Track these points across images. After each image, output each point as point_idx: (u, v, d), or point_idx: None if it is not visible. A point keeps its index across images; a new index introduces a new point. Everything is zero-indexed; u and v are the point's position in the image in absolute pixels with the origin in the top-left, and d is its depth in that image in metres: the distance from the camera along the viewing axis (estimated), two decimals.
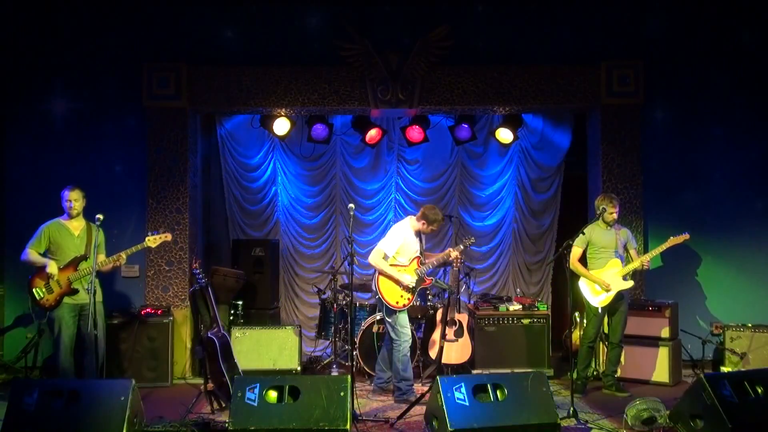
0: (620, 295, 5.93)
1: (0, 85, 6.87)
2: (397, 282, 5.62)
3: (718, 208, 6.96)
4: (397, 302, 5.64)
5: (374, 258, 5.68)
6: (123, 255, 5.58)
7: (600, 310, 5.90)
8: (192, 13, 6.94)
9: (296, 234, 8.02)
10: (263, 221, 8.01)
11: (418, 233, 5.79)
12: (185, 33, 6.94)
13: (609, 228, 5.99)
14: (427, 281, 5.81)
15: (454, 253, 5.80)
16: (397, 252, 5.69)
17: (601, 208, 5.88)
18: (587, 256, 6.03)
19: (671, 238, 5.89)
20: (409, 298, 5.67)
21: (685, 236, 5.88)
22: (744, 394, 4.51)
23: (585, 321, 6.16)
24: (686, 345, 6.66)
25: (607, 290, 5.85)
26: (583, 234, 5.79)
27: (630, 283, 5.96)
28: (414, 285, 5.65)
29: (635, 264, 5.90)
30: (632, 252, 6.06)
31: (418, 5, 6.92)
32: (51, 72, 6.88)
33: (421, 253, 5.82)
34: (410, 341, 5.74)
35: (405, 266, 5.71)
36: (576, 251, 5.94)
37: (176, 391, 6.19)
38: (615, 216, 5.94)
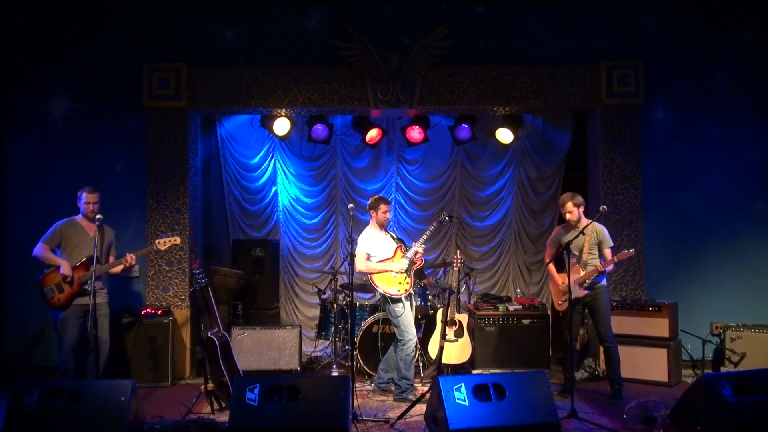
0: (593, 295, 5.75)
1: (0, 85, 6.88)
2: (391, 270, 5.72)
3: (718, 208, 6.95)
4: (398, 290, 5.69)
5: (359, 264, 5.75)
6: (133, 256, 5.57)
7: (562, 314, 5.86)
8: (192, 13, 6.94)
9: (296, 234, 8.02)
10: (263, 221, 8.01)
11: (383, 229, 5.93)
12: (185, 33, 6.94)
13: (575, 229, 5.74)
14: (418, 262, 5.88)
15: (418, 249, 5.81)
16: (375, 249, 5.80)
17: (563, 209, 5.71)
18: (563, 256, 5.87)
19: (618, 253, 5.58)
20: (408, 282, 5.74)
21: (630, 252, 5.52)
22: (744, 394, 4.50)
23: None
24: (686, 345, 6.66)
25: (563, 295, 5.77)
26: (584, 234, 5.76)
27: (584, 293, 5.72)
28: (407, 267, 5.74)
29: (594, 271, 5.64)
30: (606, 252, 5.75)
31: (418, 5, 6.92)
32: (51, 72, 6.88)
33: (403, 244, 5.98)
34: (415, 340, 5.76)
35: (391, 258, 5.80)
36: (550, 250, 5.87)
37: (176, 391, 6.18)
38: (567, 217, 5.76)
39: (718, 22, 6.97)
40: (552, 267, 5.92)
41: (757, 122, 6.97)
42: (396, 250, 5.84)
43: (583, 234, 5.66)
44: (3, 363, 6.74)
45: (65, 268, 5.44)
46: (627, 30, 6.97)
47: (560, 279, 5.84)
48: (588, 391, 6.05)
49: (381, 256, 5.80)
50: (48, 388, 4.45)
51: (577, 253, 5.77)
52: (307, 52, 6.95)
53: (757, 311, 6.78)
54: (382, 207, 5.89)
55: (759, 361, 6.20)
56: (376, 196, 6.06)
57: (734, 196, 6.95)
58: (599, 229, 5.80)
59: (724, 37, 6.97)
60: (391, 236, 5.97)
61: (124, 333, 6.34)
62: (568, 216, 5.77)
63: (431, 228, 5.91)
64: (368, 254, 5.79)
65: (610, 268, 5.73)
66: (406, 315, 5.71)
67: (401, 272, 5.73)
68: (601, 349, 6.27)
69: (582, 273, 5.73)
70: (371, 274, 5.74)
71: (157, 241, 5.61)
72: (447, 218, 6.10)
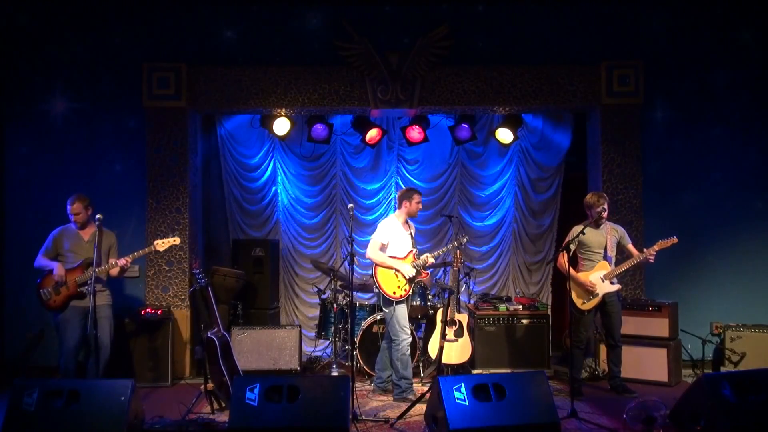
0: (612, 297, 5.88)
1: (0, 85, 6.87)
2: (397, 270, 5.68)
3: (718, 208, 6.95)
4: (394, 292, 5.67)
5: (371, 250, 5.75)
6: (129, 258, 5.56)
7: (587, 313, 5.88)
8: (192, 13, 6.94)
9: (296, 234, 8.02)
10: (263, 221, 8.01)
11: (407, 224, 5.90)
12: (185, 33, 6.94)
13: (599, 228, 5.90)
14: (424, 274, 5.88)
15: (429, 260, 5.82)
16: (393, 242, 5.77)
17: (600, 207, 5.80)
18: (578, 256, 5.99)
19: (659, 241, 5.75)
20: (405, 289, 5.71)
21: (673, 240, 5.74)
22: (744, 394, 4.50)
23: (573, 323, 5.98)
24: (686, 345, 6.66)
25: (593, 293, 5.81)
26: (584, 234, 5.78)
27: (617, 287, 5.91)
28: (413, 275, 5.70)
29: (632, 261, 5.82)
30: (630, 247, 5.95)
31: (418, 5, 6.92)
32: (51, 72, 6.88)
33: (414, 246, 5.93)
34: (410, 339, 5.75)
35: (402, 259, 5.77)
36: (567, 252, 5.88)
37: (176, 391, 6.19)
38: (605, 214, 5.88)
39: (718, 22, 6.97)
40: (569, 268, 5.81)
41: (757, 122, 6.97)
42: (409, 253, 5.82)
43: (603, 232, 5.86)
44: (3, 363, 6.74)
45: (57, 270, 5.45)
46: (627, 30, 6.97)
47: (584, 277, 5.84)
48: (588, 390, 6.04)
49: (395, 252, 5.77)
50: (48, 389, 4.45)
51: (599, 251, 5.87)
52: (307, 52, 6.95)
53: (757, 311, 6.78)
54: (416, 197, 5.84)
55: (759, 361, 6.19)
56: (406, 187, 6.13)
57: (734, 196, 6.96)
58: (619, 228, 6.01)
59: (724, 37, 6.97)
60: (411, 235, 5.90)
61: (123, 332, 6.34)
62: (605, 213, 5.83)
63: (449, 247, 5.98)
64: (383, 244, 5.76)
65: (651, 257, 5.79)
66: (398, 315, 5.69)
67: (406, 276, 5.69)
68: (604, 348, 6.28)
69: (610, 268, 5.83)
70: (378, 265, 5.72)
71: (156, 242, 5.61)
72: (464, 241, 6.06)
